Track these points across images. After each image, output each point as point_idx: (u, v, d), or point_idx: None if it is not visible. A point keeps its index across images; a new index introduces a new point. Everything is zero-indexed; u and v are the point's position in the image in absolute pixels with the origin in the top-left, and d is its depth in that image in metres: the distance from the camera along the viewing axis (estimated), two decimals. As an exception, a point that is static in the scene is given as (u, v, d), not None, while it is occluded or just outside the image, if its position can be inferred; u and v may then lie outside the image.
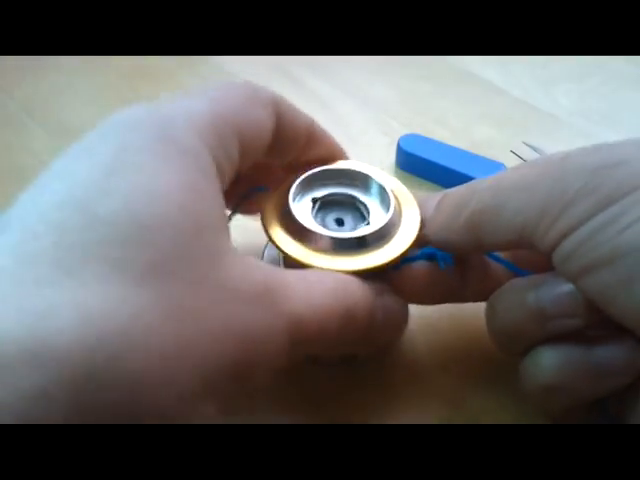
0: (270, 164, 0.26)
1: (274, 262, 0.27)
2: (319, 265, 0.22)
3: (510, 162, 0.39)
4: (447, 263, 0.24)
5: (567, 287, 0.21)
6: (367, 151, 0.41)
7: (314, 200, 0.26)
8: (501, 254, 0.25)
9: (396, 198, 0.26)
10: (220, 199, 0.20)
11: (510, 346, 0.23)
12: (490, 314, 0.24)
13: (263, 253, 0.29)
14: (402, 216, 0.25)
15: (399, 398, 0.27)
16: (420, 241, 0.24)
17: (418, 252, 0.24)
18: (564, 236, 0.20)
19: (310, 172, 0.26)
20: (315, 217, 0.25)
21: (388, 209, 0.24)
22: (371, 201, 0.26)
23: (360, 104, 0.45)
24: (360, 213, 0.26)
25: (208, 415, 0.16)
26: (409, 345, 0.30)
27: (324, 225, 0.25)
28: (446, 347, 0.30)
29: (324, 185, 0.26)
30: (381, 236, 0.24)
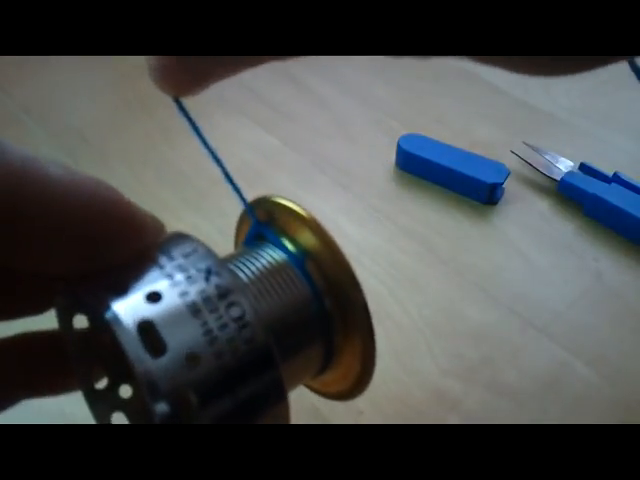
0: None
1: None
2: None
3: (510, 162, 0.39)
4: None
5: None
6: (367, 151, 0.41)
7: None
8: None
9: None
10: None
11: None
12: None
13: None
14: None
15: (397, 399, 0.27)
16: None
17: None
18: None
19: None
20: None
21: None
22: None
23: (360, 104, 0.45)
24: None
25: None
26: (408, 343, 0.30)
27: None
28: (445, 346, 0.30)
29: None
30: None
